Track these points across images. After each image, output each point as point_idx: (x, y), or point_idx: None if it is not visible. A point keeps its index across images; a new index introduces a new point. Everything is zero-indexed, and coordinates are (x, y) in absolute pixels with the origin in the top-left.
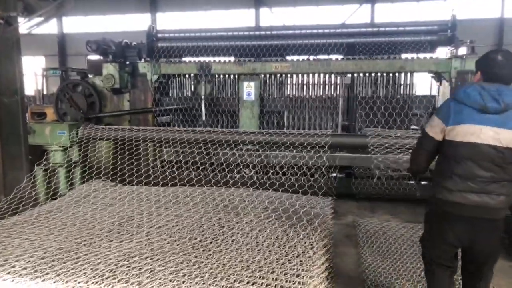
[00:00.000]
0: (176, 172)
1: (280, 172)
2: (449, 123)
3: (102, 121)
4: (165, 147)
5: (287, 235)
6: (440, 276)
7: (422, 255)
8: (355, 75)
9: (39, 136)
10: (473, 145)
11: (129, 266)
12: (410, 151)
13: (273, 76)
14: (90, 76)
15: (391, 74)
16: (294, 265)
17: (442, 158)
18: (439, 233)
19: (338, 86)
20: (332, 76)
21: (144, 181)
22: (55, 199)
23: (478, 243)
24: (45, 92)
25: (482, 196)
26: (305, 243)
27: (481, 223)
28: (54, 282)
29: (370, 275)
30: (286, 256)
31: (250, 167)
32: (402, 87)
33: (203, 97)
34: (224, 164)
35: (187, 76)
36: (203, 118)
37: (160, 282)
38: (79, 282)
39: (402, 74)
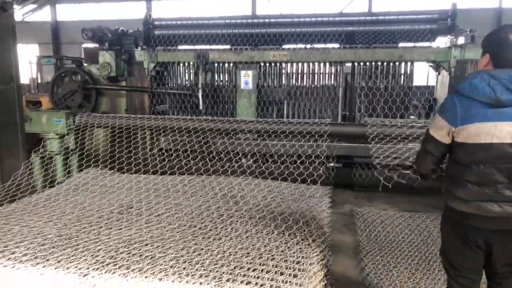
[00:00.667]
0: (174, 161)
1: (279, 161)
2: (457, 123)
3: (99, 108)
4: (163, 136)
5: (286, 223)
6: None
7: (444, 267)
8: (355, 64)
9: (35, 124)
10: (489, 146)
11: (130, 253)
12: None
13: (272, 65)
14: (85, 64)
15: (391, 64)
16: (293, 252)
17: (452, 163)
18: (457, 238)
19: (337, 76)
20: (332, 65)
21: (142, 170)
22: (52, 186)
23: (502, 254)
24: (39, 81)
25: (503, 205)
26: (304, 231)
27: (503, 236)
28: (55, 268)
29: (369, 263)
30: (285, 243)
31: (249, 156)
32: (402, 76)
33: (200, 86)
34: (223, 153)
35: (186, 64)
36: (200, 107)
37: (161, 269)
38: (80, 269)
39: (402, 64)
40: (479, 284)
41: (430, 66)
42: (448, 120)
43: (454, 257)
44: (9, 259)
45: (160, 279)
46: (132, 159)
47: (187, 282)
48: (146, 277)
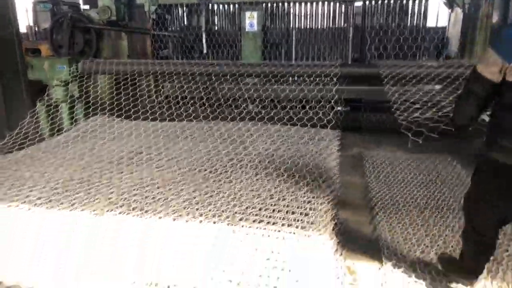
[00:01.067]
0: (181, 108)
1: (288, 107)
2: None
3: (101, 54)
4: (168, 82)
5: (296, 165)
6: (477, 249)
7: (465, 215)
8: (366, 2)
9: (37, 71)
10: None
11: (142, 195)
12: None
13: (280, 5)
14: (83, 8)
15: (404, 1)
16: (304, 193)
17: (500, 107)
18: (494, 192)
19: (347, 15)
20: (342, 4)
21: (149, 118)
22: (59, 134)
23: None
24: (36, 29)
25: None
26: (314, 173)
27: None
28: (70, 211)
29: (378, 203)
30: (296, 184)
31: (257, 102)
32: (415, 15)
33: (203, 29)
34: (230, 99)
35: (188, 6)
36: (204, 51)
37: (174, 209)
38: (94, 210)
39: (416, 1)
40: (497, 242)
41: (444, 2)
42: (502, 55)
43: (484, 207)
44: (24, 202)
45: (174, 219)
46: (139, 107)
47: (200, 222)
48: (160, 218)
